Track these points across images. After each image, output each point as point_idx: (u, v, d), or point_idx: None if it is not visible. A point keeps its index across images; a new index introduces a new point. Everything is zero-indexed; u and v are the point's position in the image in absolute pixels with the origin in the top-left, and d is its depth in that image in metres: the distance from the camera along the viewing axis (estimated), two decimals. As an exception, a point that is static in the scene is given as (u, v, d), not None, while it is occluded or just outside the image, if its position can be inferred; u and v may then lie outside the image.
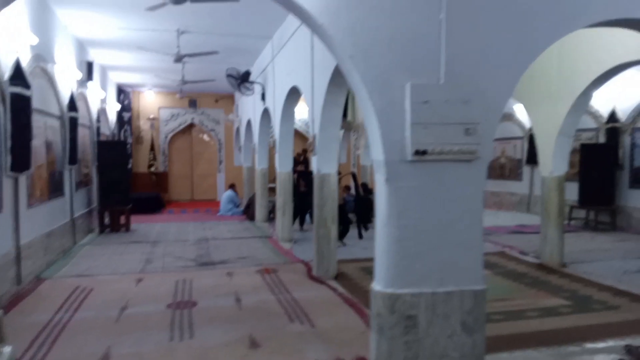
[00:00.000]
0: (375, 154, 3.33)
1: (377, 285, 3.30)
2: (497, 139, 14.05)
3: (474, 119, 3.19)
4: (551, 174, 6.54)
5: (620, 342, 3.89)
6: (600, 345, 3.87)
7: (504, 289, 5.55)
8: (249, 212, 11.28)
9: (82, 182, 9.16)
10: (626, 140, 9.72)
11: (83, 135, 9.19)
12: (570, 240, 8.29)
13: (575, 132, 6.65)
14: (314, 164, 5.99)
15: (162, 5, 5.46)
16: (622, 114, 9.76)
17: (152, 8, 5.70)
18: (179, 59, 8.25)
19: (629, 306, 4.83)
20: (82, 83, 8.98)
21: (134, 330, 4.19)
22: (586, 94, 6.16)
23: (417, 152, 3.15)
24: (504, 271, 6.33)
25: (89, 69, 9.07)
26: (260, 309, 4.76)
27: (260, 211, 10.64)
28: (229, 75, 8.97)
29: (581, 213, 10.40)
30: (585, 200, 10.13)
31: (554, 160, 6.44)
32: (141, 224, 10.48)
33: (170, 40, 8.41)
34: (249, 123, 11.94)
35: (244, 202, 12.30)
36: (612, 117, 9.94)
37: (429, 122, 3.14)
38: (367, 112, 3.30)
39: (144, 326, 4.29)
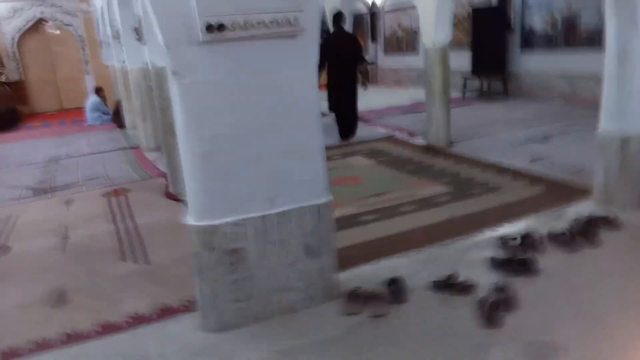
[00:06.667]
0: (156, 35, 2.31)
1: (190, 219, 2.50)
2: (391, 11, 13.11)
3: (288, -28, 2.22)
4: (434, 45, 5.83)
5: (497, 232, 3.48)
6: (475, 239, 3.41)
7: (383, 181, 5.01)
8: (117, 119, 9.81)
9: None
10: None
11: None
12: (462, 115, 7.94)
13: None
14: (146, 56, 4.78)
15: None
16: (513, -30, 9.05)
17: None
18: None
19: (509, 186, 4.46)
20: None
21: None
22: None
23: (211, 28, 2.16)
24: (387, 159, 5.80)
25: None
26: (89, 247, 3.86)
27: (129, 117, 9.25)
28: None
29: (476, 84, 10.07)
30: (477, 68, 9.76)
31: (435, 29, 5.67)
32: (-14, 147, 8.80)
33: None
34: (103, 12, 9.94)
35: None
36: (503, -25, 9.22)
37: (222, -19, 2.13)
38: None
39: None
